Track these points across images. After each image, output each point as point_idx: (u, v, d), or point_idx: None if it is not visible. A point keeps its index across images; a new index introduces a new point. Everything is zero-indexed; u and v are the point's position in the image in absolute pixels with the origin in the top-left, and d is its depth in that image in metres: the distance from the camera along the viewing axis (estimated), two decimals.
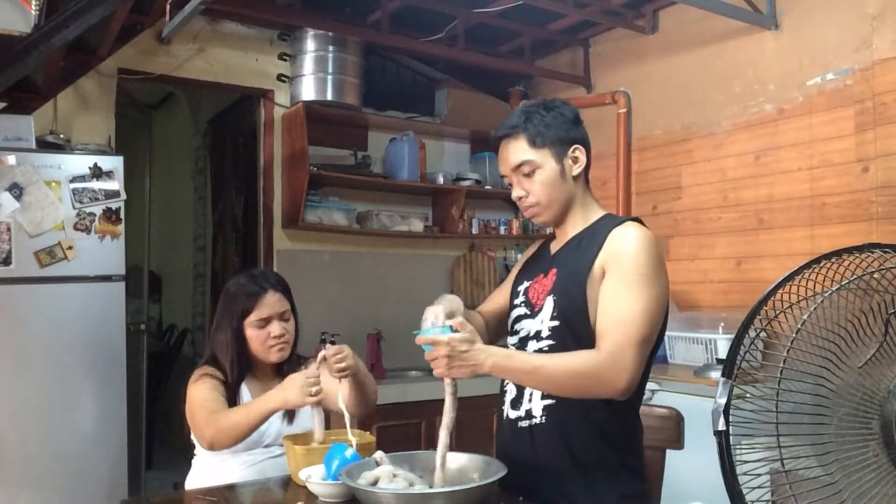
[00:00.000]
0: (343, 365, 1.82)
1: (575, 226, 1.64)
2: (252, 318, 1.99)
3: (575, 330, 1.52)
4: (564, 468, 1.53)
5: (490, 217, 4.37)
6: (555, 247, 1.69)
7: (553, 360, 1.47)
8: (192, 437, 1.99)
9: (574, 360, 1.45)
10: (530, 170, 1.58)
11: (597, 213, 1.65)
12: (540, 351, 1.56)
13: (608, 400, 1.48)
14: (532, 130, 1.58)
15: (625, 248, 1.51)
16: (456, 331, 1.43)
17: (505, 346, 1.63)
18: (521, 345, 1.61)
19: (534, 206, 1.61)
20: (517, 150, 1.59)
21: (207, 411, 1.89)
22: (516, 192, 1.63)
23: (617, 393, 1.44)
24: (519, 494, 1.55)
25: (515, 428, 1.59)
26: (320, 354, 1.85)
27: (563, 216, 1.64)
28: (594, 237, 1.57)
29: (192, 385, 1.98)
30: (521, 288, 1.69)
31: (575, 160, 1.61)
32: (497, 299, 1.82)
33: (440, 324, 1.45)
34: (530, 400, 1.57)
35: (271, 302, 2.00)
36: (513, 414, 1.61)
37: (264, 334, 1.99)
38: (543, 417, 1.55)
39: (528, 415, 1.57)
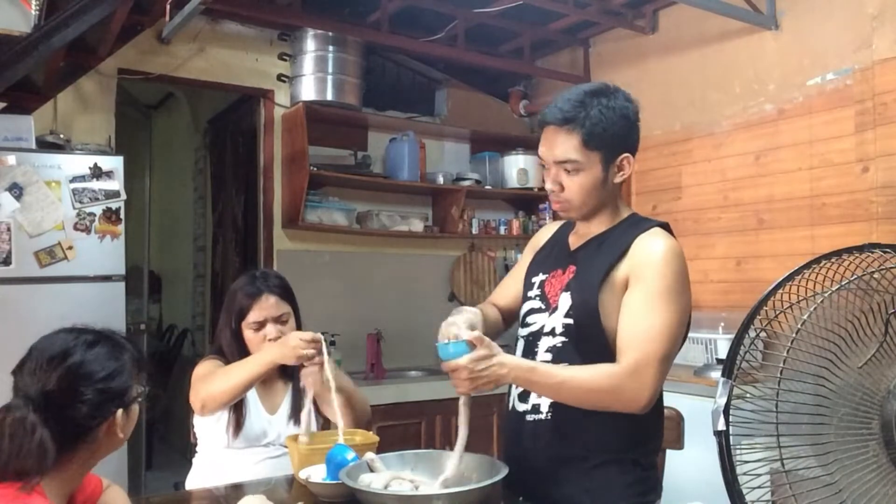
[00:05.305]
0: (312, 352, 1.81)
1: (600, 224, 1.61)
2: (249, 319, 2.01)
3: (586, 330, 1.52)
4: (571, 463, 1.53)
5: (490, 217, 4.37)
6: (575, 241, 1.65)
7: (575, 376, 1.45)
8: (193, 422, 2.03)
9: (595, 377, 1.44)
10: (574, 169, 1.51)
11: (623, 212, 1.62)
12: (553, 347, 1.55)
13: None
14: (588, 128, 1.47)
15: (650, 260, 1.49)
16: (473, 345, 1.40)
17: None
18: (533, 339, 1.60)
19: (565, 202, 1.57)
20: (566, 147, 1.50)
21: (205, 375, 1.93)
22: (550, 184, 1.56)
23: (637, 409, 1.45)
24: (521, 492, 1.55)
25: (523, 421, 1.58)
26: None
27: (591, 216, 1.60)
28: (617, 241, 1.55)
29: (198, 366, 2.01)
30: (537, 280, 1.66)
31: (620, 168, 1.54)
32: (511, 289, 1.79)
33: (457, 338, 1.41)
34: (539, 395, 1.56)
35: (267, 305, 2.01)
36: (520, 407, 1.60)
37: (260, 337, 2.00)
38: (549, 413, 1.54)
39: (536, 409, 1.56)
